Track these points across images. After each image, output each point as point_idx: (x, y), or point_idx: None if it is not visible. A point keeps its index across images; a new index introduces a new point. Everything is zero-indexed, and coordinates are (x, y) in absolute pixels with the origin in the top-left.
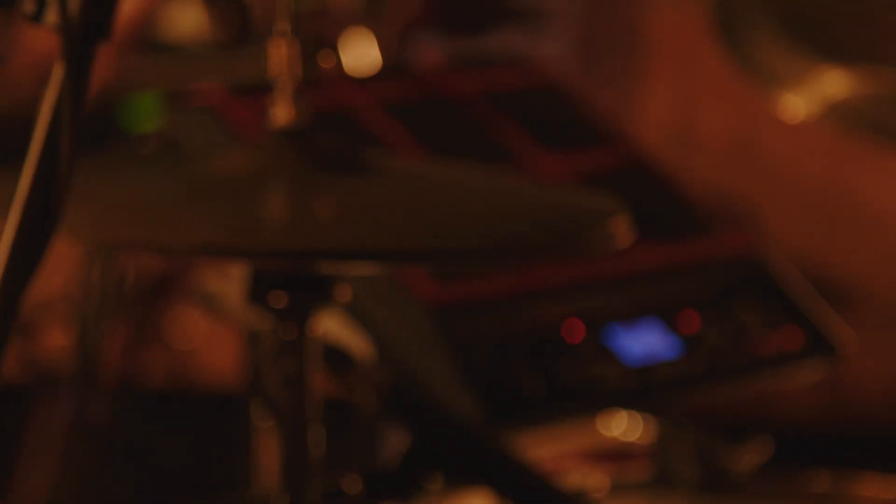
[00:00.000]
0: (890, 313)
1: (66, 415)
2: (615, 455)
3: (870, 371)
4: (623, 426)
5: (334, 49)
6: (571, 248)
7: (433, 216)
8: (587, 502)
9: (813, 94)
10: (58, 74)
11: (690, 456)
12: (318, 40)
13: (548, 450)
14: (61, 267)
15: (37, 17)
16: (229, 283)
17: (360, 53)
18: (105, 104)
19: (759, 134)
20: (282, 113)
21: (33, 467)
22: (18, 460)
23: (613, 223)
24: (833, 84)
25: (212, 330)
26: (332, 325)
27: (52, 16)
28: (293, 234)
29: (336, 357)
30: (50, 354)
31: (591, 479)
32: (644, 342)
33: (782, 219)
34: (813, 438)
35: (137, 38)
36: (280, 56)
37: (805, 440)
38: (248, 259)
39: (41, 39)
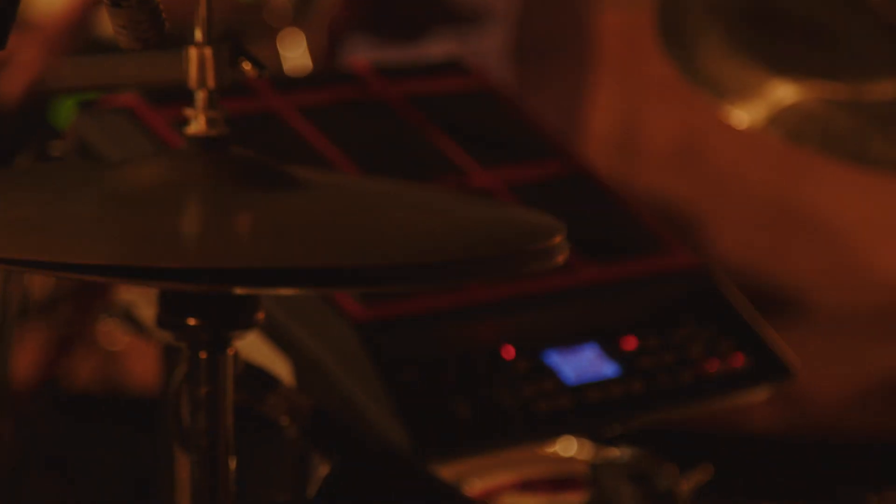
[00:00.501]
0: (836, 320)
1: None
2: (552, 483)
3: (819, 379)
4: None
5: (263, 51)
6: (504, 266)
7: (358, 232)
8: None
9: (760, 105)
10: None
11: (626, 485)
12: (239, 45)
13: (482, 478)
14: None
15: None
16: (144, 299)
17: (290, 56)
18: (37, 102)
19: (706, 140)
20: (198, 121)
21: None
22: None
23: (549, 241)
24: (781, 95)
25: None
26: (251, 344)
27: None
28: (207, 254)
29: (255, 378)
30: None
31: None
32: (582, 362)
33: (728, 225)
34: (765, 444)
35: (72, 37)
36: (197, 63)
37: (757, 445)
38: (157, 282)
39: None
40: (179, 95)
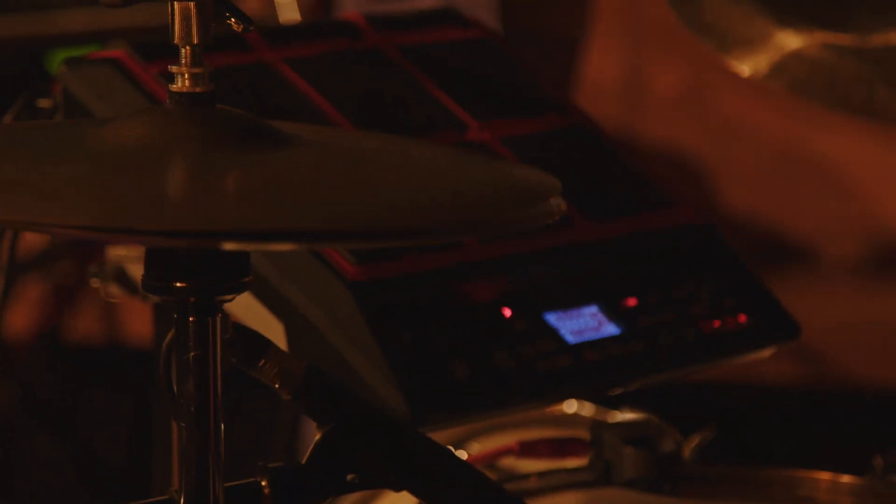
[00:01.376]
0: (848, 269)
1: None
2: (552, 446)
3: (829, 329)
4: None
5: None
6: (500, 225)
7: (351, 191)
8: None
9: (764, 55)
10: None
11: (627, 447)
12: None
13: (480, 442)
14: None
15: None
16: (135, 257)
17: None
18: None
19: (712, 88)
20: (183, 78)
21: None
22: None
23: (547, 198)
24: (785, 45)
25: None
26: (243, 307)
27: None
28: (195, 212)
29: (246, 342)
30: None
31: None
32: (582, 322)
33: (736, 175)
34: (775, 397)
35: None
36: (181, 18)
37: (767, 398)
38: (143, 239)
39: None
40: (168, 49)
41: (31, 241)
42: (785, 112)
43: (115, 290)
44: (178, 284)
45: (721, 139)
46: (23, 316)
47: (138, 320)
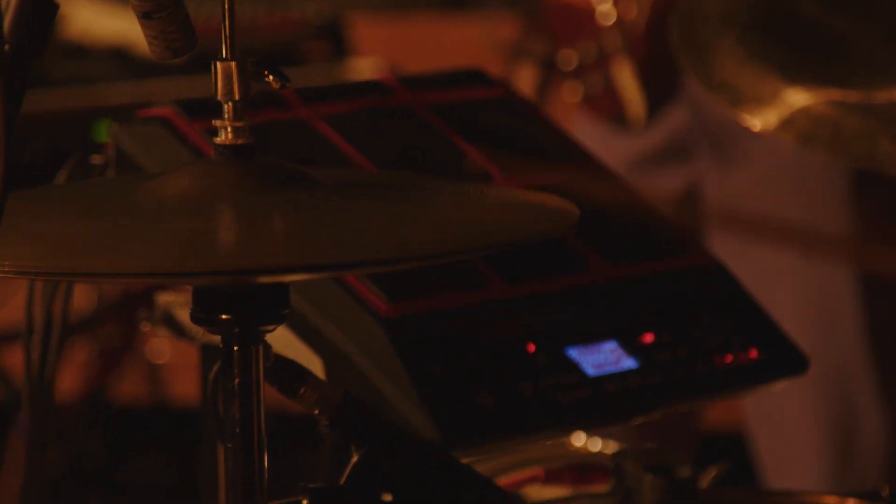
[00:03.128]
0: None
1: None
2: (575, 474)
3: None
4: (583, 441)
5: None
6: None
7: (386, 228)
8: None
9: (773, 110)
10: None
11: (646, 475)
12: (262, 59)
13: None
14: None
15: None
16: (182, 300)
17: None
18: (80, 120)
19: None
20: (226, 131)
21: None
22: None
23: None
24: (793, 101)
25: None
26: (284, 343)
27: None
28: (244, 253)
29: (287, 372)
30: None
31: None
32: (601, 357)
33: None
34: None
35: None
36: (223, 76)
37: None
38: (197, 279)
39: None
40: (211, 107)
41: (78, 304)
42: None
43: (163, 333)
44: (224, 317)
45: None
46: (70, 379)
47: (182, 383)
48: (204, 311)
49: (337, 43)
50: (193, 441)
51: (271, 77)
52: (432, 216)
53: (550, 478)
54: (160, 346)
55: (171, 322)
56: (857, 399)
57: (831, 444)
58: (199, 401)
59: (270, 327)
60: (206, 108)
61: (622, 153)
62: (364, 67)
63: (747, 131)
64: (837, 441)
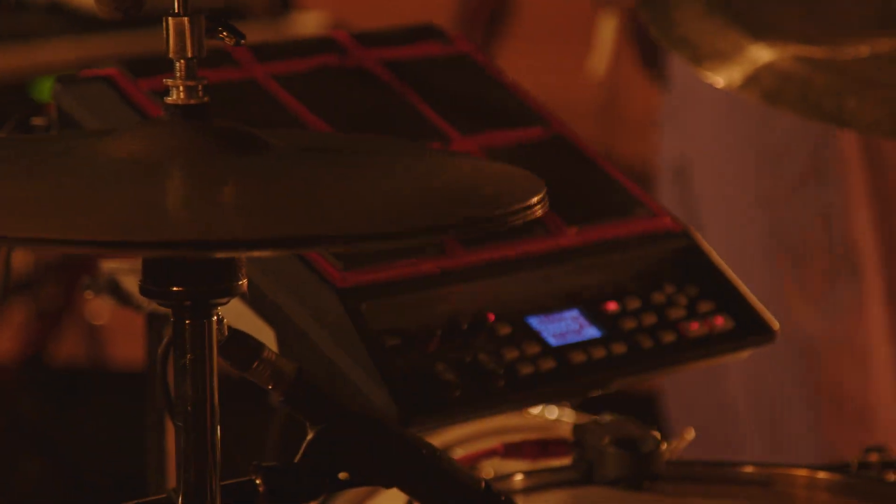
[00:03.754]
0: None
1: None
2: (535, 447)
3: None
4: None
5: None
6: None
7: (341, 198)
8: (502, 501)
9: (737, 67)
10: None
11: (609, 447)
12: (216, 15)
13: (464, 445)
14: None
15: None
16: (129, 269)
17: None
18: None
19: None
20: (178, 90)
21: None
22: None
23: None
24: (758, 57)
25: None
26: (236, 316)
27: None
28: (193, 224)
29: (240, 346)
30: None
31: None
32: (564, 326)
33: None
34: None
35: None
36: (175, 33)
37: None
38: (144, 251)
39: None
40: (158, 66)
41: (16, 265)
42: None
43: (107, 303)
44: (175, 289)
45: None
46: (7, 340)
47: (122, 344)
48: (154, 283)
49: None
50: (134, 404)
51: (225, 33)
52: (396, 187)
53: (510, 451)
54: (100, 308)
55: (116, 290)
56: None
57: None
58: (141, 365)
59: (224, 300)
60: (153, 68)
61: None
62: (309, 22)
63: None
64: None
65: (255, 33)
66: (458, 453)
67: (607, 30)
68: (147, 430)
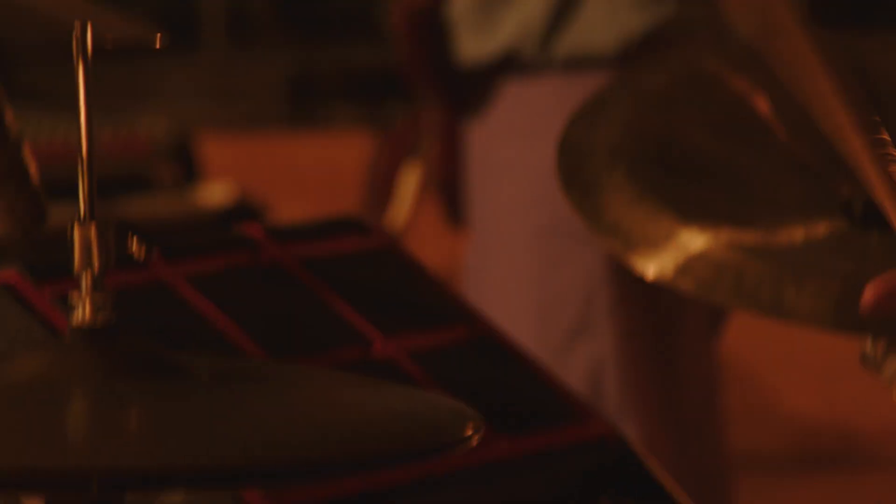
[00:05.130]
0: (750, 459)
1: None
2: None
3: None
4: None
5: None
6: (417, 455)
7: (258, 426)
8: None
9: (668, 254)
10: None
11: None
12: (125, 223)
13: None
14: None
15: None
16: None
17: None
18: None
19: None
20: (83, 308)
21: None
22: None
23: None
24: (689, 243)
25: None
26: None
27: None
28: (95, 455)
29: None
30: None
31: None
32: None
33: None
34: None
35: None
36: (83, 241)
37: None
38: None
39: None
40: (62, 269)
41: None
42: None
43: None
44: None
45: None
46: None
47: None
48: None
49: (187, 164)
50: None
51: (135, 242)
52: (312, 418)
53: None
54: None
55: None
56: None
57: None
58: None
59: None
60: (56, 271)
61: None
62: (216, 192)
63: None
64: None
65: (162, 204)
66: None
67: (409, 182)
68: None
